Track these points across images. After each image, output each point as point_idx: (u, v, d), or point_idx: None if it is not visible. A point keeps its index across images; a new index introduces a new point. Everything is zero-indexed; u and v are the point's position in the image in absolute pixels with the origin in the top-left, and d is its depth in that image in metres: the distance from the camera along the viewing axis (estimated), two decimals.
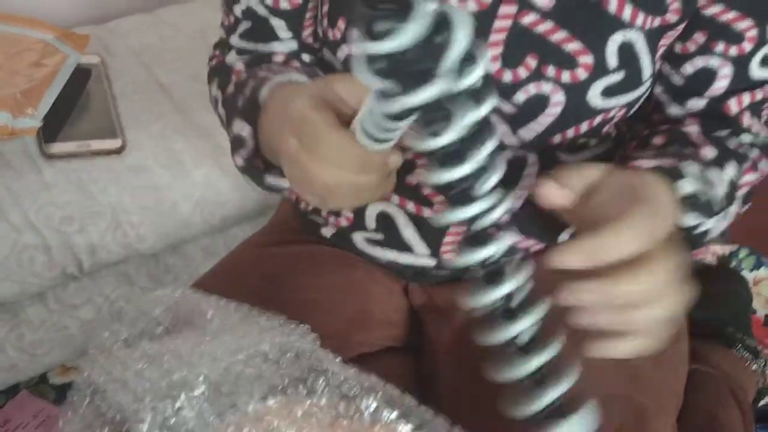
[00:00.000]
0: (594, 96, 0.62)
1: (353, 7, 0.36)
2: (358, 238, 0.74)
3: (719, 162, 0.62)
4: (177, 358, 0.52)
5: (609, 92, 0.62)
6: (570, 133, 0.65)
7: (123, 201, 0.99)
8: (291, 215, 0.84)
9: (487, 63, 0.40)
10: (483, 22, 0.60)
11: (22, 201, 0.95)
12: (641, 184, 0.51)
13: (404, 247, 0.72)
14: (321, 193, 0.51)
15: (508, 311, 0.42)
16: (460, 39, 0.34)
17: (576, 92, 0.62)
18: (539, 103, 0.62)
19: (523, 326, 0.42)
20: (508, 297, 0.42)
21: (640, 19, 0.60)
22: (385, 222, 0.71)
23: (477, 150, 0.38)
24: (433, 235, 0.70)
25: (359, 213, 0.72)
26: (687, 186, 0.55)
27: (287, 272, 0.76)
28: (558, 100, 0.62)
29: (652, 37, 0.62)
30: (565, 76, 0.61)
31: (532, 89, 0.62)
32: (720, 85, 0.64)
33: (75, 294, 1.00)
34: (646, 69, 0.63)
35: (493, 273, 0.42)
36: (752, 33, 0.62)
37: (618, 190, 0.50)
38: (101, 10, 1.31)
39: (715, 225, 0.60)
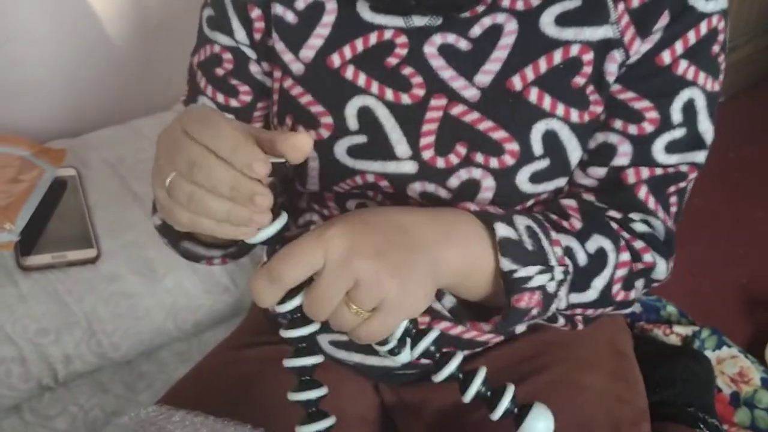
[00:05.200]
0: (522, 182, 0.64)
1: None
2: (324, 342, 0.76)
3: (584, 232, 0.62)
4: None
5: (536, 178, 0.65)
6: None
7: (97, 310, 1.01)
8: (262, 314, 0.86)
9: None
10: (416, 113, 0.64)
11: None
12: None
13: (369, 349, 0.74)
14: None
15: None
16: None
17: (504, 177, 0.64)
18: (471, 187, 0.65)
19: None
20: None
21: (560, 109, 0.63)
22: None
23: None
24: None
25: None
26: (501, 230, 0.56)
27: (257, 374, 0.77)
28: (488, 185, 0.64)
29: (583, 131, 0.64)
30: (493, 162, 0.64)
31: (463, 174, 0.64)
32: (620, 161, 0.65)
33: (50, 405, 1.00)
34: (573, 158, 0.65)
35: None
36: (652, 114, 0.63)
37: None
38: (76, 123, 1.34)
39: (552, 285, 0.58)
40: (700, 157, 0.65)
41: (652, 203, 0.65)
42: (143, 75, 1.40)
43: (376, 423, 0.79)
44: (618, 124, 0.65)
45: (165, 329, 1.05)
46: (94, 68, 1.34)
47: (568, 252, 0.61)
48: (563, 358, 0.76)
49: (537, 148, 0.64)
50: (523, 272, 0.56)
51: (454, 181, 0.65)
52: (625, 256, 0.64)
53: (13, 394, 0.97)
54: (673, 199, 0.67)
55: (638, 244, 0.65)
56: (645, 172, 0.65)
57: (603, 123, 0.65)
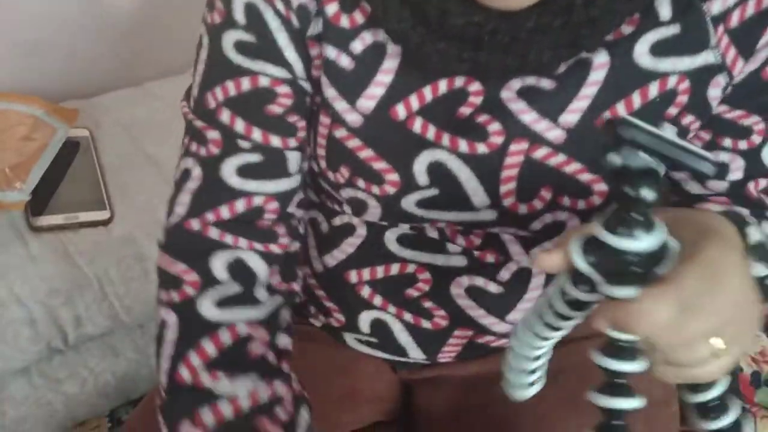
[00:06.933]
0: None
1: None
2: (349, 338, 0.73)
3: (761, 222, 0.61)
4: None
5: None
6: None
7: (109, 272, 0.99)
8: None
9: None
10: (494, 161, 0.59)
11: (8, 275, 0.95)
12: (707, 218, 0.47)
13: (398, 351, 0.70)
14: None
15: None
16: (669, 264, 0.42)
17: (591, 215, 0.60)
18: (555, 227, 0.62)
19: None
20: None
21: None
22: (380, 328, 0.70)
23: None
24: (431, 343, 0.69)
25: (351, 317, 0.70)
26: (754, 233, 0.54)
27: None
28: (573, 223, 0.61)
29: None
30: (581, 204, 0.60)
31: (548, 218, 0.61)
32: (735, 176, 0.63)
33: (59, 368, 0.99)
34: None
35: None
36: (760, 126, 0.61)
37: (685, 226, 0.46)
38: (90, 84, 1.33)
39: None
40: None
41: None
42: (157, 37, 1.38)
43: (393, 400, 0.78)
44: (727, 142, 0.62)
45: None
46: (108, 29, 1.33)
47: None
48: (599, 335, 0.73)
49: None
50: None
51: (537, 225, 0.61)
52: None
53: (22, 356, 0.96)
54: None
55: None
56: (763, 182, 0.64)
57: (710, 142, 0.62)
